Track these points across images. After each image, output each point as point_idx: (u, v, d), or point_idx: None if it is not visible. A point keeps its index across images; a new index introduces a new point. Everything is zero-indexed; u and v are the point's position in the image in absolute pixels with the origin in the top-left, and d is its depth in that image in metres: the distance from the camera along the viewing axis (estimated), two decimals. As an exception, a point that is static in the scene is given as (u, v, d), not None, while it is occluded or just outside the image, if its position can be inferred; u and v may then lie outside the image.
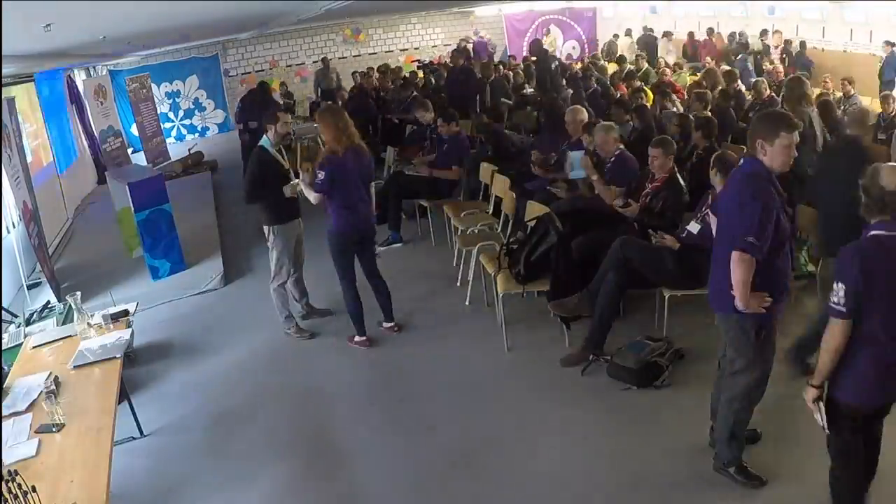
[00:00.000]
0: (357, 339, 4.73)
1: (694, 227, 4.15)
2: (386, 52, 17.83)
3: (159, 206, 6.07)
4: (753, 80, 8.57)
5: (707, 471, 3.20)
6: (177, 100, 15.67)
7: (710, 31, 12.62)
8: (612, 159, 4.99)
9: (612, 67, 11.34)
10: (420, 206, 6.69)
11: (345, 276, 4.60)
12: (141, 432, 4.02)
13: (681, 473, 3.24)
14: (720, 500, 3.06)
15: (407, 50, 17.98)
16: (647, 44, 13.45)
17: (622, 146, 5.05)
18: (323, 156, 4.44)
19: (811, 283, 4.54)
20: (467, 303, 5.14)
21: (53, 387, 3.19)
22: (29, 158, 7.15)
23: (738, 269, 2.71)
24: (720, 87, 7.58)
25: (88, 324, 3.88)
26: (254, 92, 10.15)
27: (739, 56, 10.82)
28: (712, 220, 3.48)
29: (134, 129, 13.26)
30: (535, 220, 4.65)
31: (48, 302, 5.24)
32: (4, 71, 5.47)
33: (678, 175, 4.50)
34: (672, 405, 3.75)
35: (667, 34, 13.32)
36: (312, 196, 4.44)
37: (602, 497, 3.17)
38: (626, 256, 4.05)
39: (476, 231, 5.59)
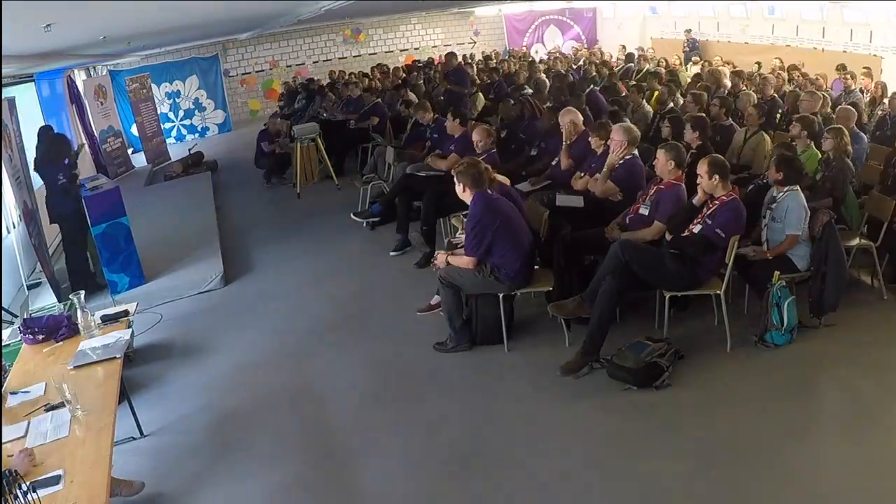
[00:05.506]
0: None
1: (695, 228, 4.15)
2: (386, 52, 17.85)
3: (117, 220, 5.85)
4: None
5: (709, 470, 3.21)
6: (177, 100, 15.69)
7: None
8: (622, 162, 5.00)
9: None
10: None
11: None
12: (141, 432, 4.01)
13: (681, 473, 3.24)
14: (720, 499, 3.07)
15: (407, 50, 18.00)
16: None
17: (635, 153, 5.05)
18: None
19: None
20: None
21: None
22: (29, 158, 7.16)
23: None
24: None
25: (92, 322, 3.88)
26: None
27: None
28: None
29: (134, 130, 13.27)
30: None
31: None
32: (4, 71, 5.47)
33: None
34: (672, 405, 3.75)
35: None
36: None
37: (602, 497, 3.17)
38: (626, 259, 4.05)
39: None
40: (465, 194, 4.28)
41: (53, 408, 3.09)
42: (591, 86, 9.12)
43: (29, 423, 3.03)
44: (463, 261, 4.32)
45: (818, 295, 4.25)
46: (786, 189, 4.27)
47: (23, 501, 2.33)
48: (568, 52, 16.06)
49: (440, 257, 4.46)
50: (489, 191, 4.32)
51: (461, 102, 9.33)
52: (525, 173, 6.23)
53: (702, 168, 4.12)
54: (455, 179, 4.31)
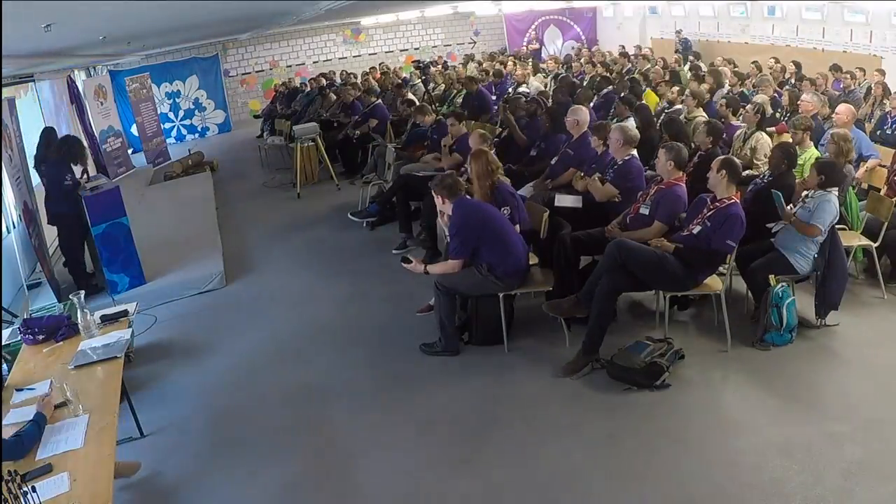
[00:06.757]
0: None
1: (695, 229, 4.16)
2: (386, 52, 17.85)
3: (117, 220, 5.84)
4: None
5: (710, 470, 3.22)
6: (177, 100, 15.69)
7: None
8: (621, 162, 5.00)
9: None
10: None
11: None
12: (141, 432, 4.01)
13: (682, 473, 3.24)
14: (721, 499, 3.07)
15: (407, 50, 17.99)
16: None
17: (634, 153, 5.06)
18: None
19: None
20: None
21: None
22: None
23: None
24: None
25: (92, 322, 3.88)
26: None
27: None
28: None
29: (134, 130, 13.27)
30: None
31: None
32: (4, 71, 5.46)
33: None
34: (672, 405, 3.75)
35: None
36: None
37: (602, 497, 3.17)
38: (621, 260, 4.06)
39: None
40: (444, 206, 4.37)
41: (55, 406, 3.10)
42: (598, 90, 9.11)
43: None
44: (447, 266, 4.35)
45: (822, 295, 4.26)
46: (822, 190, 4.29)
47: (23, 502, 2.33)
48: (569, 53, 16.07)
49: (417, 266, 4.41)
50: (468, 196, 4.41)
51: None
52: (527, 174, 6.23)
53: (715, 163, 4.18)
54: (433, 193, 4.42)
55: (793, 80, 9.11)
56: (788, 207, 4.40)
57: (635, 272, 4.09)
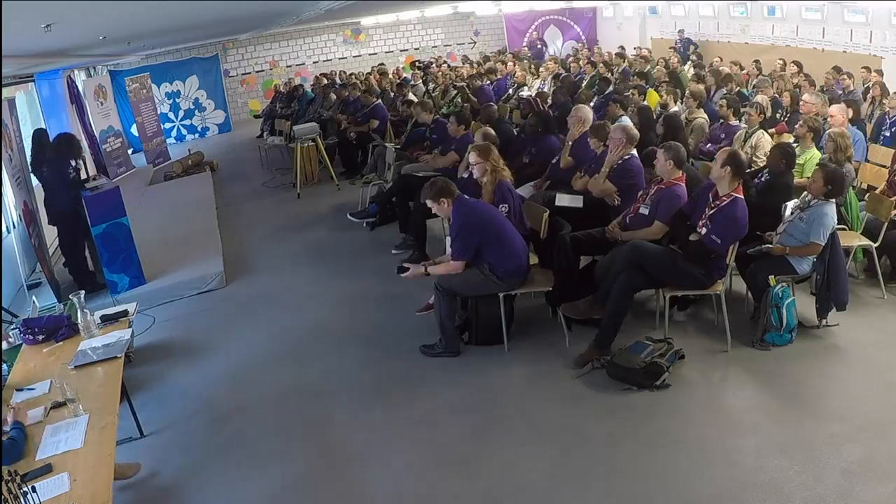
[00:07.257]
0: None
1: (702, 229, 4.15)
2: (386, 52, 17.85)
3: (117, 220, 5.82)
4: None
5: (710, 469, 3.21)
6: (177, 100, 15.69)
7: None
8: (620, 162, 5.01)
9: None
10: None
11: None
12: (141, 432, 4.01)
13: (682, 473, 3.24)
14: (721, 498, 3.07)
15: (407, 50, 17.99)
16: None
17: (634, 153, 5.06)
18: None
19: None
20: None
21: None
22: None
23: None
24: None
25: (92, 322, 3.88)
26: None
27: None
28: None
29: (134, 130, 13.26)
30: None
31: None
32: (4, 71, 5.46)
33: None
34: (672, 405, 3.75)
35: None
36: None
37: (602, 497, 3.17)
38: (638, 262, 4.08)
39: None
40: (446, 209, 4.31)
41: (56, 406, 3.10)
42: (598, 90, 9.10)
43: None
44: (450, 266, 4.34)
45: (826, 295, 4.26)
46: (823, 198, 4.24)
47: (23, 502, 2.32)
48: (568, 53, 16.06)
49: (416, 269, 4.38)
50: (465, 196, 4.41)
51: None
52: (518, 176, 6.22)
53: (721, 155, 4.15)
54: (429, 204, 4.35)
55: (788, 76, 9.10)
56: (775, 235, 4.38)
57: (653, 273, 4.12)
